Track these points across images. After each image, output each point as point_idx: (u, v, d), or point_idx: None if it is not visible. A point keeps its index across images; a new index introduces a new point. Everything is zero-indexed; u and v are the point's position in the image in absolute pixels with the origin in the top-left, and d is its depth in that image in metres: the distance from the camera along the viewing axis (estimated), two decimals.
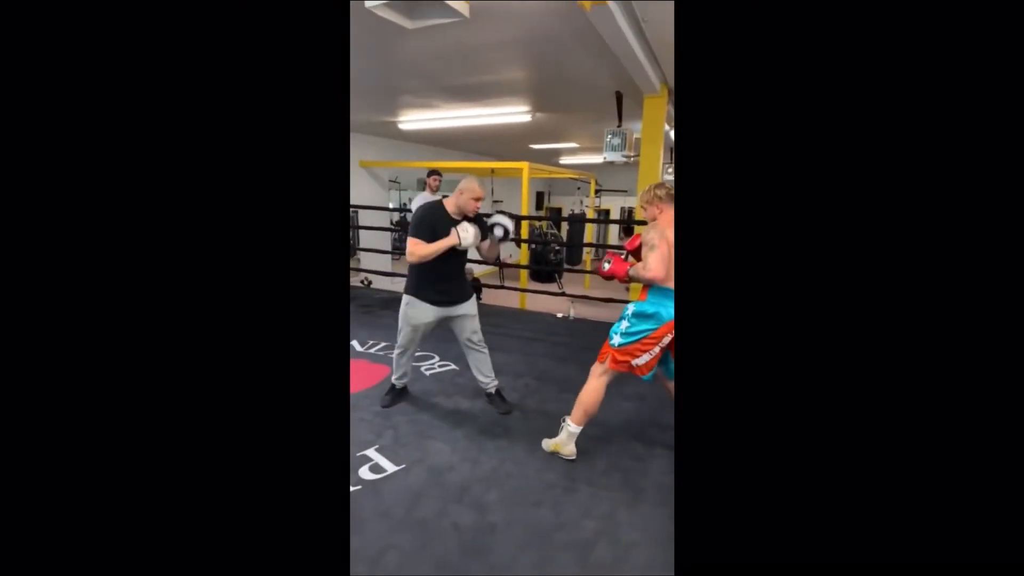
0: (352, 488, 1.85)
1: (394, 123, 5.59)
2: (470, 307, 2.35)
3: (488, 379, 2.46)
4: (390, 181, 7.27)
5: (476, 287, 5.38)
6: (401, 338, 2.36)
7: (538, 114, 4.96)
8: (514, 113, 4.86)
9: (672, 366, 1.92)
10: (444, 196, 4.26)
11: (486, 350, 2.44)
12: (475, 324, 2.36)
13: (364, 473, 1.96)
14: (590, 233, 9.09)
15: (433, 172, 4.40)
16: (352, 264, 6.77)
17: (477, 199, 2.18)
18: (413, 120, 5.41)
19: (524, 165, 5.01)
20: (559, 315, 4.33)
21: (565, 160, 8.65)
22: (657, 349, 1.80)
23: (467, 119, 5.09)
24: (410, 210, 5.06)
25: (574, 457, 2.01)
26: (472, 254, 2.38)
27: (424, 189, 4.49)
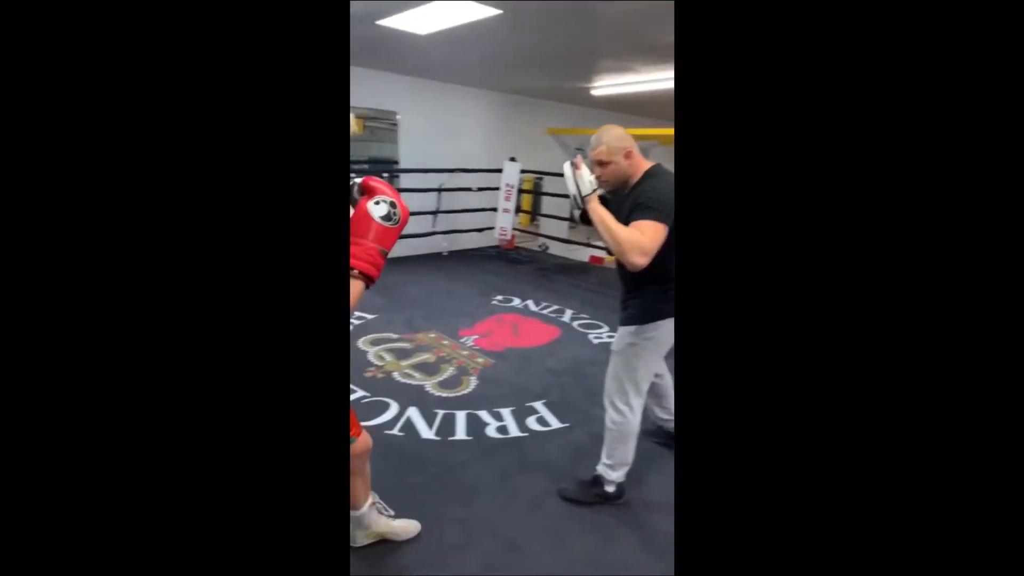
0: (519, 435, 2.03)
1: (587, 89, 5.56)
2: (617, 340, 1.61)
3: (601, 459, 1.70)
4: (576, 149, 7.34)
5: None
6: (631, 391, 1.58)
7: None
8: None
9: None
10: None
11: (614, 423, 1.61)
12: (609, 370, 1.62)
13: (531, 423, 2.12)
14: None
15: None
16: (532, 228, 7.12)
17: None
18: (608, 85, 5.31)
19: None
20: None
21: None
22: None
23: (665, 82, 4.79)
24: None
25: None
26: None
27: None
